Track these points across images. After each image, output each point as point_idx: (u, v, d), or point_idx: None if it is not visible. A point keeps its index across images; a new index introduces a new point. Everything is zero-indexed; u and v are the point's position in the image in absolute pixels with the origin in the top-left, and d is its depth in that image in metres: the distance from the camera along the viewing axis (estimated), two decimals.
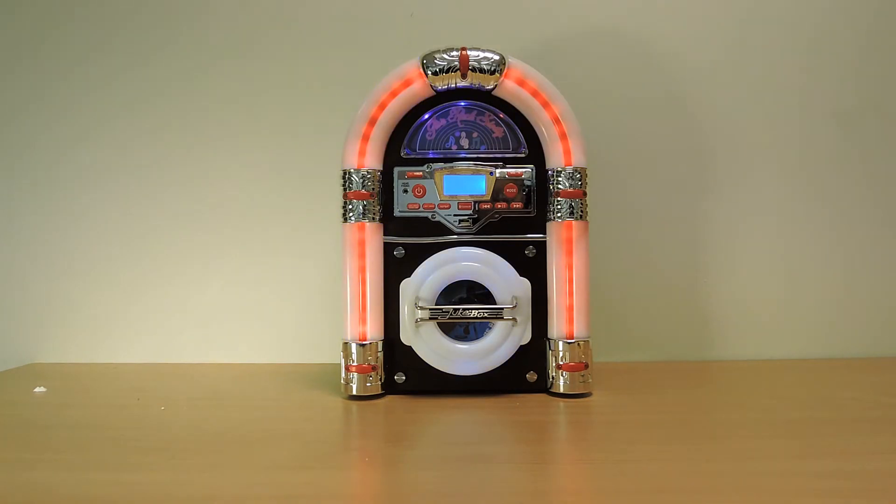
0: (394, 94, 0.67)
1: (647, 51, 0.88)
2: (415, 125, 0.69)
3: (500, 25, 0.88)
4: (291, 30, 0.89)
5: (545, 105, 0.67)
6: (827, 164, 0.88)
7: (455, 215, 0.69)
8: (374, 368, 0.67)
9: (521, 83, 0.67)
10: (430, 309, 0.67)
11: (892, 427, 0.57)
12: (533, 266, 0.68)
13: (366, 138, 0.67)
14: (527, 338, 0.68)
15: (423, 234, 0.69)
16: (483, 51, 0.67)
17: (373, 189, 0.68)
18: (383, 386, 0.68)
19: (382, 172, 0.69)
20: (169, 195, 0.90)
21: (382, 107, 0.67)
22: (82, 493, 0.45)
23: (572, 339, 0.67)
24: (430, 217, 0.69)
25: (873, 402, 0.65)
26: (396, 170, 0.69)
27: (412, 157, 0.69)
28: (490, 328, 0.67)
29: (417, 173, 0.69)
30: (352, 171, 0.68)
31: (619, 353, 0.88)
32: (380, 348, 0.68)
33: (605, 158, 0.85)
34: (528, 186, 0.69)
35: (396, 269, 0.68)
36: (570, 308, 0.67)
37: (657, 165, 0.88)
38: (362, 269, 0.67)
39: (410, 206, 0.69)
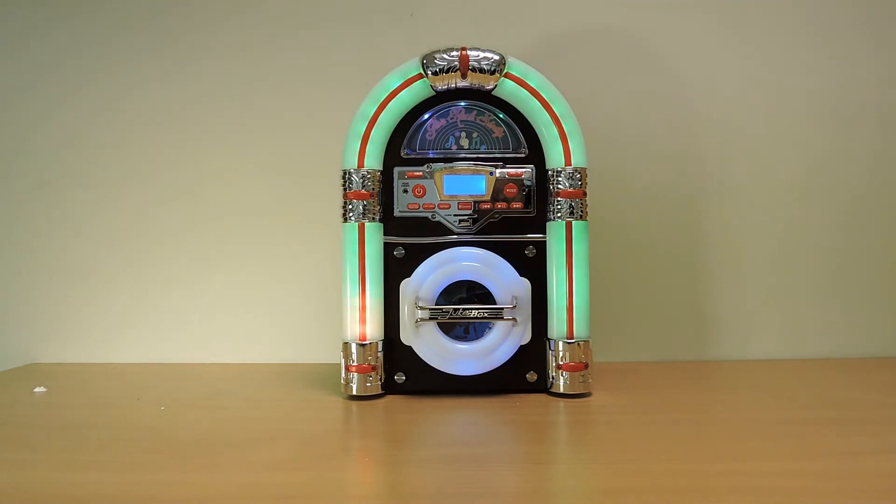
0: (394, 94, 0.67)
1: (647, 50, 0.88)
2: (415, 125, 0.69)
3: (500, 25, 0.88)
4: (292, 30, 0.89)
5: (545, 105, 0.67)
6: (827, 164, 0.88)
7: (455, 215, 0.69)
8: (374, 368, 0.67)
9: (521, 83, 0.67)
10: (430, 309, 0.67)
11: (892, 427, 0.57)
12: (533, 266, 0.68)
13: (366, 138, 0.67)
14: (527, 338, 0.68)
15: (423, 234, 0.69)
16: (483, 51, 0.67)
17: (373, 189, 0.68)
18: (383, 386, 0.68)
19: (382, 172, 0.69)
20: (168, 195, 0.90)
21: (382, 107, 0.67)
22: (82, 493, 0.45)
23: (572, 339, 0.67)
24: (430, 217, 0.69)
25: (873, 402, 0.65)
26: (396, 170, 0.69)
27: (412, 157, 0.69)
28: (490, 328, 0.67)
29: (417, 173, 0.69)
30: (352, 171, 0.68)
31: (619, 353, 0.88)
32: (380, 348, 0.68)
33: (605, 158, 0.85)
34: (528, 186, 0.69)
35: (396, 269, 0.68)
36: (570, 308, 0.67)
37: (657, 165, 0.88)
38: (362, 269, 0.67)
39: (410, 206, 0.69)
